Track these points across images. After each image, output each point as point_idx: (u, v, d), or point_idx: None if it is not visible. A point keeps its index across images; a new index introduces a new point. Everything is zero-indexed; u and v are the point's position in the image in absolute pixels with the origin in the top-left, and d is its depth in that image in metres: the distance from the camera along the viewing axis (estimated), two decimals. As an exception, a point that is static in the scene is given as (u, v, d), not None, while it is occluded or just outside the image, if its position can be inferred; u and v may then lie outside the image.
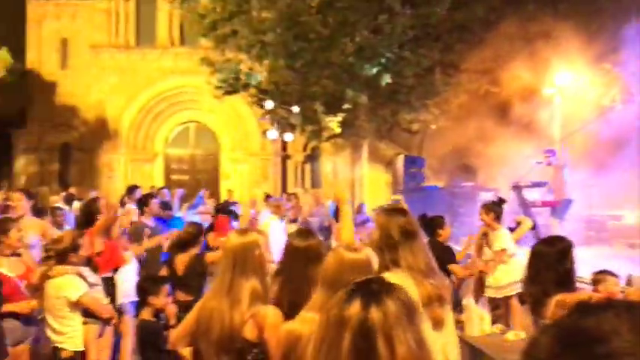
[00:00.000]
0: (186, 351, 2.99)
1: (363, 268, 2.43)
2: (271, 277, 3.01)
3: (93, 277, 4.51)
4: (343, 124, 17.89)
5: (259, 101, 18.15)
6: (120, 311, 5.56)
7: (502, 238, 5.52)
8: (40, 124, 24.16)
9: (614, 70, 14.05)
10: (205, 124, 25.15)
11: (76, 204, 12.24)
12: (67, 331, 4.21)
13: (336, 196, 4.04)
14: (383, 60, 15.83)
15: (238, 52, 17.14)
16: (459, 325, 4.69)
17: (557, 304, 3.13)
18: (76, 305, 4.21)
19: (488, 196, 12.30)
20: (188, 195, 18.17)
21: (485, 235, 5.73)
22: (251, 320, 2.69)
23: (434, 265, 2.84)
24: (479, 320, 5.30)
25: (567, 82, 14.01)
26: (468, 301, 5.39)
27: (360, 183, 18.85)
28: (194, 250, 5.28)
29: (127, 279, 5.64)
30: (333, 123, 17.89)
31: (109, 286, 5.25)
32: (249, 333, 2.69)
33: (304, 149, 24.32)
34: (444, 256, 5.25)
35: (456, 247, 7.00)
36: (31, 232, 5.65)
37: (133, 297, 5.27)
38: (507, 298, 5.45)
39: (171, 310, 4.37)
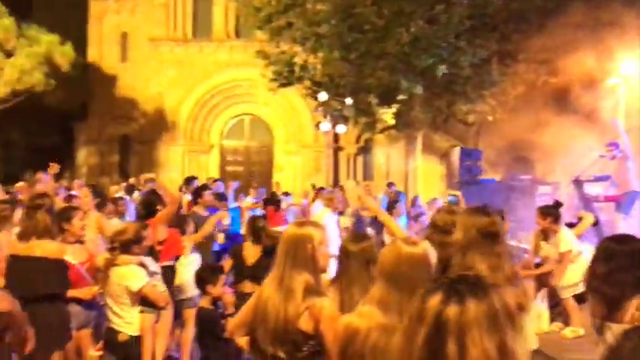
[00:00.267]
0: (243, 340, 3.02)
1: (421, 262, 2.39)
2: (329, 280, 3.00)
3: (153, 266, 4.65)
4: (397, 115, 17.71)
5: (313, 93, 18.18)
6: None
7: (565, 239, 5.40)
8: (100, 117, 24.97)
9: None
10: (260, 117, 25.41)
11: (136, 194, 12.62)
12: (126, 316, 4.36)
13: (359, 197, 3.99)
14: (439, 50, 15.55)
15: (293, 44, 17.19)
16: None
17: (639, 308, 2.98)
18: (136, 294, 4.35)
19: (546, 190, 11.97)
20: (242, 187, 18.48)
21: (542, 232, 5.60)
22: (307, 312, 2.69)
23: (516, 270, 2.75)
24: (537, 318, 5.17)
25: (633, 72, 13.45)
26: (526, 297, 5.26)
27: (414, 175, 18.64)
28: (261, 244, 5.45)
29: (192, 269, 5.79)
30: (387, 115, 17.73)
31: (170, 274, 5.39)
32: (305, 325, 2.69)
33: (357, 141, 24.23)
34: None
35: (511, 243, 6.85)
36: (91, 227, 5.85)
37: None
38: (565, 298, 5.31)
39: (229, 298, 4.46)
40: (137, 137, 25.19)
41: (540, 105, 16.46)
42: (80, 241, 5.07)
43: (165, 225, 5.52)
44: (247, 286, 5.29)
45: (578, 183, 10.03)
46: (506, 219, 6.27)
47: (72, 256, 4.70)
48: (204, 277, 4.52)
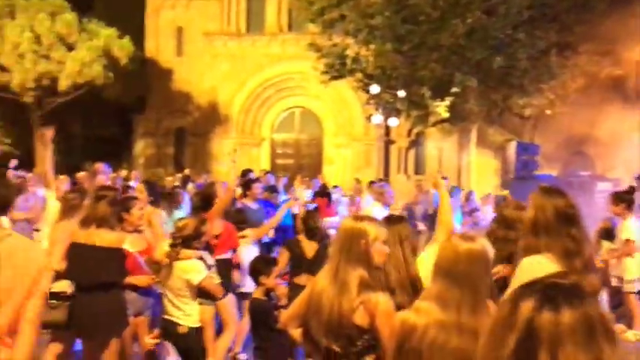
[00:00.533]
0: (296, 332, 3.03)
1: (479, 258, 2.34)
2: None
3: (210, 260, 4.74)
4: (451, 108, 17.42)
5: (365, 86, 18.08)
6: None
7: (629, 228, 5.21)
8: (157, 110, 25.57)
9: None
10: (310, 110, 25.46)
11: (190, 185, 12.90)
12: (185, 309, 4.44)
13: (433, 182, 3.91)
14: (495, 42, 15.17)
15: (345, 36, 17.13)
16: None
17: None
18: (196, 288, 4.44)
19: (606, 187, 11.54)
20: (291, 180, 18.57)
21: (604, 229, 5.44)
22: (361, 307, 2.68)
23: (593, 259, 2.63)
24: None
25: None
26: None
27: (467, 170, 18.34)
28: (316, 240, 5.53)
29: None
30: (441, 108, 17.45)
31: (227, 268, 5.45)
32: (360, 319, 2.68)
33: (408, 134, 23.97)
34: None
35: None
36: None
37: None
38: (628, 295, 5.11)
39: (282, 290, 4.49)
40: (191, 130, 25.68)
41: (601, 98, 15.88)
42: (138, 231, 5.19)
43: (220, 217, 5.61)
44: (304, 279, 5.32)
45: (642, 179, 9.63)
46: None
47: (130, 244, 4.82)
48: (257, 268, 4.56)
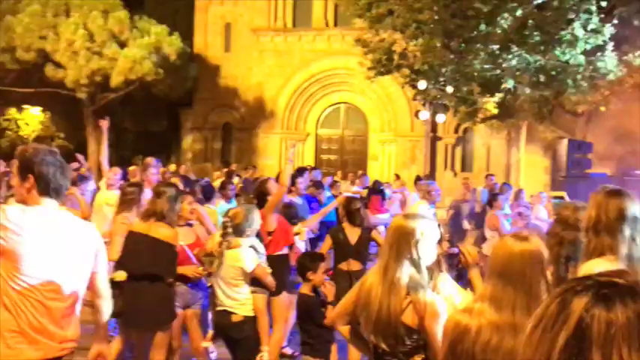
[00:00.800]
0: (344, 329, 3.03)
1: (534, 258, 2.30)
2: None
3: (261, 249, 4.79)
4: (500, 105, 17.07)
5: (412, 82, 17.91)
6: None
7: None
8: (204, 105, 25.97)
9: None
10: (355, 105, 25.39)
11: (236, 179, 13.06)
12: (239, 298, 4.49)
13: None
14: (548, 37, 14.75)
15: (393, 32, 16.98)
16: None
17: None
18: (248, 275, 4.48)
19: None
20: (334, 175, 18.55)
21: None
22: (410, 307, 2.66)
23: None
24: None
25: None
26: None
27: (516, 167, 17.95)
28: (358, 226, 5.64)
29: None
30: (490, 104, 17.13)
31: (282, 264, 5.46)
32: (409, 319, 2.66)
33: (456, 131, 23.64)
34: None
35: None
36: None
37: None
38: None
39: (329, 287, 4.50)
40: (238, 125, 25.99)
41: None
42: (189, 224, 5.30)
43: (274, 214, 5.65)
44: (349, 264, 5.45)
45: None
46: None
47: (180, 237, 4.91)
48: (304, 264, 4.59)
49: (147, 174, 7.05)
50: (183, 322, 5.10)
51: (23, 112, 25.42)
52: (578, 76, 15.42)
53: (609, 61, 15.37)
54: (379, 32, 17.46)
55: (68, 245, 2.71)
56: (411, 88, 18.59)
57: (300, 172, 8.56)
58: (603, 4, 14.73)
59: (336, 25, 24.62)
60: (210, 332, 4.85)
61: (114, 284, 4.43)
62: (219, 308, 4.56)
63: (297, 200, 7.44)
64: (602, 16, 14.95)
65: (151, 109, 24.94)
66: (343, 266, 5.51)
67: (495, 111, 17.54)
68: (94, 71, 21.32)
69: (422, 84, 17.00)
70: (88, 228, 2.94)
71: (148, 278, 4.49)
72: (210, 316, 5.41)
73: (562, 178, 13.42)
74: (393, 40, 17.22)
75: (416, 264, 2.69)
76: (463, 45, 15.63)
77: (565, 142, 14.14)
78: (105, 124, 7.29)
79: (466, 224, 11.22)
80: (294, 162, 6.24)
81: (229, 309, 4.48)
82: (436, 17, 15.57)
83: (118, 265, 4.65)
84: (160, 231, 4.51)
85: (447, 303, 2.76)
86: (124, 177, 8.08)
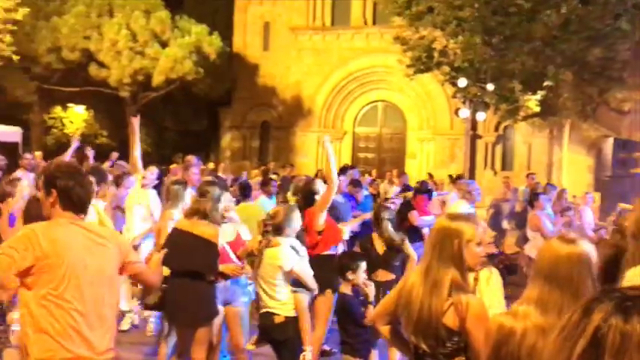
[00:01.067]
0: (385, 329, 3.02)
1: (582, 261, 2.25)
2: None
3: (302, 250, 4.80)
4: (542, 102, 16.73)
5: (451, 79, 17.72)
6: None
7: None
8: (243, 104, 26.21)
9: None
10: (394, 103, 25.24)
11: (274, 177, 13.15)
12: (280, 298, 4.51)
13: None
14: (592, 32, 14.37)
15: (433, 29, 16.84)
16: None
17: None
18: (288, 274, 4.50)
19: None
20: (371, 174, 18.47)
21: None
22: (452, 308, 2.63)
23: None
24: None
25: None
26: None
27: (559, 167, 17.57)
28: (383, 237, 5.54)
29: None
30: (532, 102, 16.81)
31: (331, 264, 5.45)
32: (450, 321, 2.63)
33: (496, 129, 23.27)
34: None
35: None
36: None
37: None
38: None
39: (369, 286, 4.49)
40: (275, 123, 26.14)
41: None
42: (227, 222, 5.34)
43: (324, 213, 5.63)
44: (382, 274, 5.40)
45: None
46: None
47: (221, 235, 4.96)
48: (344, 264, 4.60)
49: (188, 173, 7.11)
50: (223, 319, 5.15)
51: (68, 110, 26.11)
52: (624, 73, 14.99)
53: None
54: (419, 30, 17.33)
55: (94, 256, 2.78)
56: (451, 86, 18.39)
57: (342, 170, 8.55)
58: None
59: (374, 23, 24.51)
60: (255, 337, 4.88)
61: None
62: (262, 310, 4.59)
63: (339, 198, 7.44)
64: None
65: (190, 108, 25.32)
66: (372, 277, 5.39)
67: (537, 109, 17.21)
68: (136, 70, 21.75)
69: (462, 81, 16.80)
70: (113, 236, 3.02)
71: (190, 275, 4.56)
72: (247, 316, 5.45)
73: (606, 178, 13.09)
74: (432, 37, 17.08)
75: (458, 265, 2.66)
76: (504, 42, 15.37)
77: (610, 140, 13.79)
78: (136, 121, 7.28)
79: (505, 224, 11.04)
80: (335, 155, 6.05)
81: (272, 310, 4.50)
82: (477, 14, 15.37)
83: (162, 261, 4.73)
84: (202, 229, 4.58)
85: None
86: (160, 177, 8.15)
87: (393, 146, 25.57)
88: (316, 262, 4.96)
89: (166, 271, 4.59)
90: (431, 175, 17.30)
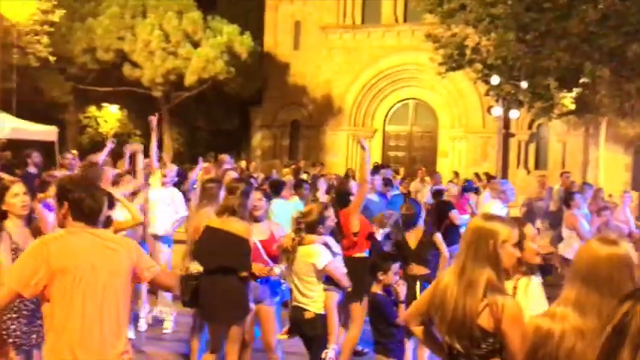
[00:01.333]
0: (418, 329, 3.00)
1: (622, 263, 2.19)
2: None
3: (336, 247, 4.80)
4: (578, 100, 16.40)
5: (484, 77, 17.50)
6: None
7: None
8: (274, 103, 26.35)
9: None
10: (425, 101, 25.06)
11: (304, 177, 13.19)
12: (311, 294, 4.53)
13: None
14: (631, 28, 14.01)
15: (465, 26, 16.65)
16: None
17: None
18: (320, 272, 4.51)
19: None
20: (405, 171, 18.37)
21: None
22: (487, 309, 2.59)
23: None
24: None
25: None
26: None
27: (595, 165, 17.18)
28: (420, 226, 5.63)
29: None
30: (567, 99, 16.49)
31: (364, 267, 5.43)
32: (485, 322, 2.59)
33: (529, 127, 22.90)
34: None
35: None
36: None
37: None
38: None
39: (400, 287, 4.47)
40: (306, 122, 26.20)
41: None
42: (259, 220, 5.35)
43: (357, 214, 5.63)
44: (416, 268, 5.44)
45: None
46: None
47: (254, 233, 4.98)
48: (375, 264, 4.59)
49: (223, 171, 7.15)
50: (255, 316, 5.17)
51: (102, 110, 26.63)
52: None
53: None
54: (451, 27, 17.17)
55: (105, 260, 2.88)
56: (484, 84, 18.17)
57: (374, 169, 8.55)
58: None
59: (405, 20, 24.37)
60: (286, 327, 4.90)
61: (190, 276, 4.59)
62: (294, 304, 4.63)
63: (374, 197, 7.43)
64: None
65: (222, 108, 25.56)
66: (407, 271, 5.45)
67: (573, 106, 16.88)
68: (168, 70, 22.06)
69: (495, 79, 16.59)
70: (124, 241, 3.10)
71: (222, 271, 4.60)
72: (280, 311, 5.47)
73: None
74: (465, 34, 16.90)
75: (494, 266, 2.62)
76: (539, 38, 15.09)
77: (649, 138, 13.41)
78: (154, 120, 7.39)
79: (538, 223, 10.87)
80: (370, 154, 6.06)
81: (303, 305, 4.54)
82: (510, 11, 15.14)
83: (195, 258, 4.79)
84: (233, 225, 4.62)
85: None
86: (179, 174, 8.23)
87: (424, 145, 25.39)
88: (351, 263, 4.95)
89: (198, 267, 4.65)
90: (457, 174, 17.11)
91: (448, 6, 16.64)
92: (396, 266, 4.61)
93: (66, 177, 3.04)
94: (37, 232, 3.85)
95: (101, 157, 7.65)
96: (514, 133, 22.95)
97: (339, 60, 25.05)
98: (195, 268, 4.64)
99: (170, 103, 24.10)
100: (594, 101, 15.94)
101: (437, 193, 9.38)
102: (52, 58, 19.06)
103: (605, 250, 2.22)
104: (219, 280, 4.59)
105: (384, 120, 25.71)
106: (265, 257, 5.06)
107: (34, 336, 3.73)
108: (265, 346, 5.20)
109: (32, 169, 9.10)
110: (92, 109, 26.45)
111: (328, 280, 4.55)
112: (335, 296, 4.66)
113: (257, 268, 4.82)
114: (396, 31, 24.31)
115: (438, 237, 5.80)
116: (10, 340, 3.39)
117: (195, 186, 8.11)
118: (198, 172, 9.15)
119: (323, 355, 4.43)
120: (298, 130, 26.53)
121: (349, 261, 4.97)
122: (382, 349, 4.51)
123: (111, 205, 4.72)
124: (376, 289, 4.55)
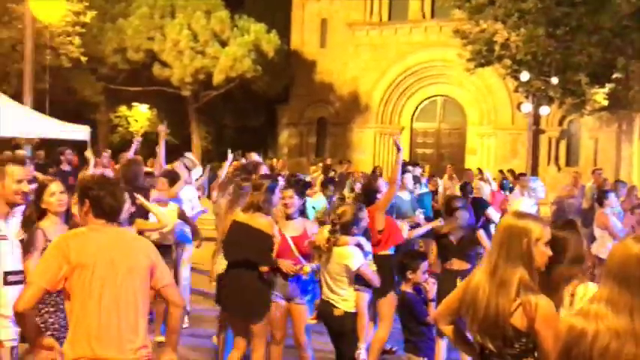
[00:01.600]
0: (448, 329, 2.99)
1: (657, 262, 2.15)
2: None
3: (367, 246, 4.82)
4: (611, 96, 16.09)
5: (513, 73, 17.29)
6: None
7: None
8: (300, 101, 26.41)
9: None
10: (453, 98, 24.85)
11: (332, 174, 13.21)
12: (343, 293, 4.56)
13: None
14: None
15: (494, 22, 16.47)
16: None
17: None
18: (353, 273, 4.54)
19: None
20: (432, 169, 18.25)
21: None
22: (520, 309, 2.57)
23: None
24: None
25: None
26: None
27: (628, 162, 16.84)
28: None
29: None
30: (599, 95, 16.20)
31: (390, 264, 5.45)
32: (518, 322, 2.57)
33: (560, 123, 22.53)
34: None
35: None
36: None
37: None
38: None
39: (430, 285, 4.47)
40: (332, 120, 26.21)
41: None
42: (292, 217, 5.37)
43: (384, 212, 5.64)
44: (457, 263, 5.44)
45: None
46: None
47: (288, 230, 5.02)
48: (404, 263, 4.59)
49: (260, 169, 7.22)
50: (287, 313, 5.18)
51: (132, 109, 27.02)
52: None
53: None
54: (479, 23, 17.00)
55: (124, 256, 2.95)
56: (513, 80, 17.95)
57: (405, 167, 8.52)
58: None
59: (432, 16, 24.19)
60: (316, 313, 4.94)
61: (219, 275, 4.67)
62: (323, 297, 4.68)
63: (405, 196, 7.41)
64: None
65: (249, 106, 25.70)
66: (447, 266, 5.46)
67: (605, 102, 16.58)
68: (197, 70, 22.27)
69: (524, 75, 16.37)
70: (143, 241, 3.19)
71: (244, 266, 4.66)
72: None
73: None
74: (494, 30, 16.73)
75: (527, 265, 2.60)
76: (570, 33, 14.85)
77: (684, 135, 13.09)
78: (162, 128, 7.67)
79: (570, 221, 10.66)
80: (402, 151, 6.05)
81: (333, 302, 4.57)
82: (540, 6, 14.93)
83: (223, 252, 4.90)
84: (257, 220, 4.71)
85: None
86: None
87: (452, 141, 25.19)
88: (377, 261, 4.95)
89: (224, 264, 4.73)
90: (481, 171, 16.93)
91: (476, 1, 16.49)
92: (424, 264, 4.60)
93: (87, 176, 3.13)
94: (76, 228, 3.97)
95: (129, 154, 7.81)
96: (544, 130, 22.61)
97: (365, 57, 24.98)
98: (224, 268, 4.73)
99: (198, 102, 24.33)
100: (627, 97, 15.64)
101: (463, 187, 9.27)
102: (83, 59, 19.41)
103: (637, 248, 2.19)
104: (241, 275, 4.66)
105: (412, 117, 25.56)
106: (296, 254, 5.05)
107: None
108: (296, 344, 5.23)
109: (66, 167, 9.30)
110: (123, 109, 26.85)
111: (358, 279, 4.57)
112: (366, 297, 4.68)
113: (286, 265, 4.82)
114: (423, 27, 24.14)
115: (481, 233, 5.79)
116: (48, 333, 3.48)
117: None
118: (227, 169, 9.25)
119: (355, 356, 4.46)
120: (325, 128, 26.55)
121: (374, 259, 4.98)
122: (412, 347, 4.51)
123: (133, 204, 4.86)
124: (406, 287, 4.55)
